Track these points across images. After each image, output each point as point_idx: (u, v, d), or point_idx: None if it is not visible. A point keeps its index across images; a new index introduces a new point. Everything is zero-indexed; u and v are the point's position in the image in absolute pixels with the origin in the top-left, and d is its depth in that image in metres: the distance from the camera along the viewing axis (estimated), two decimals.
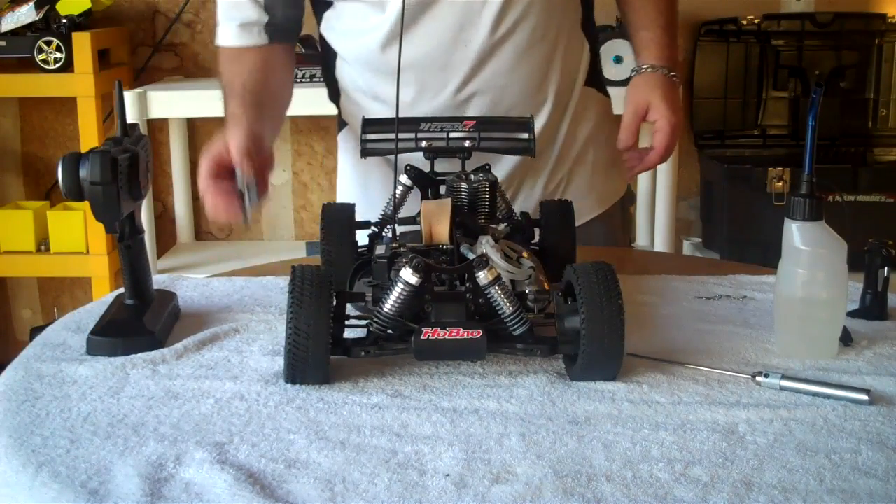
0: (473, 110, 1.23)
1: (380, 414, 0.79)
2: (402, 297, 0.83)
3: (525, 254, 0.94)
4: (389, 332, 0.84)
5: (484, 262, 0.83)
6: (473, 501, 0.66)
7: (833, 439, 0.74)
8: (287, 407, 0.80)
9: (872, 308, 1.00)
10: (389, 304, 0.83)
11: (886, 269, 0.99)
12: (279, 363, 0.87)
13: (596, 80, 1.36)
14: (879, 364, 0.89)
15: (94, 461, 0.71)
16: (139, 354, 0.90)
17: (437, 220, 0.92)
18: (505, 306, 0.83)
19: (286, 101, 1.31)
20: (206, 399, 0.81)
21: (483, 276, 0.83)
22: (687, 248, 2.63)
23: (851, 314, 0.98)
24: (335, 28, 1.28)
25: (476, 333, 0.81)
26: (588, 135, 1.36)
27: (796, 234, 0.89)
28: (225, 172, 1.07)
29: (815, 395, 0.81)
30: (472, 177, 1.01)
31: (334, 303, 0.82)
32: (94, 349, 0.91)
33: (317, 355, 0.81)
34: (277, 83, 1.27)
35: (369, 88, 1.29)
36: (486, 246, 0.91)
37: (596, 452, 0.72)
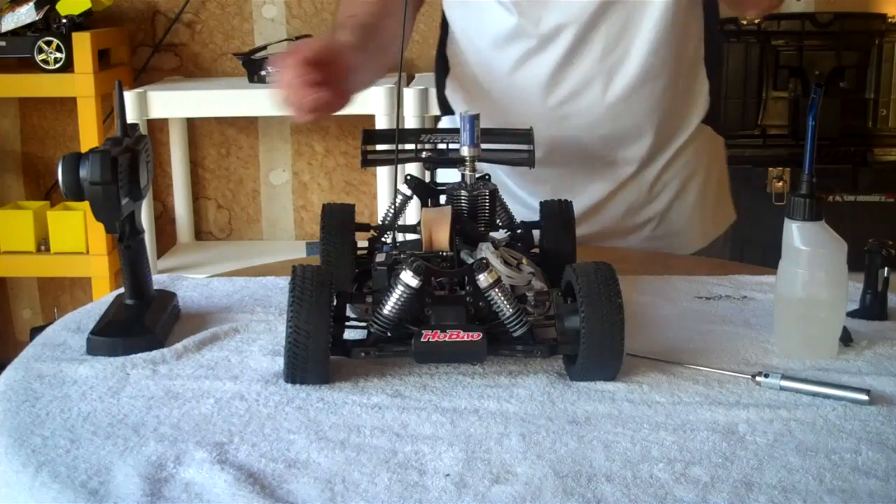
0: (568, 126, 1.24)
1: (380, 414, 0.79)
2: (402, 299, 0.83)
3: (524, 260, 0.94)
4: (389, 333, 0.84)
5: (484, 264, 0.83)
6: (473, 501, 0.66)
7: (833, 439, 0.74)
8: (287, 407, 0.80)
9: (872, 308, 1.00)
10: (389, 307, 0.83)
11: (886, 269, 0.99)
12: (279, 363, 0.87)
13: (713, 117, 1.35)
14: (879, 364, 0.89)
15: (94, 461, 0.71)
16: (139, 354, 0.90)
17: (438, 227, 0.92)
18: (505, 308, 0.83)
19: (395, 49, 1.21)
20: (206, 399, 0.81)
21: (483, 279, 0.83)
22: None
23: (851, 314, 0.98)
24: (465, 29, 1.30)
25: (476, 336, 0.81)
26: (690, 173, 1.36)
27: (796, 234, 0.89)
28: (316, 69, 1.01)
29: (815, 395, 0.81)
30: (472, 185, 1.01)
31: (334, 303, 0.82)
32: (94, 349, 0.91)
33: (317, 355, 0.81)
34: (392, 27, 1.21)
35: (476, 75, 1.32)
36: (486, 251, 0.91)
37: (596, 452, 0.72)
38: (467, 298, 0.85)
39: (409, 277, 0.82)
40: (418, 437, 0.75)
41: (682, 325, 0.99)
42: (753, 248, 2.32)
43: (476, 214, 0.99)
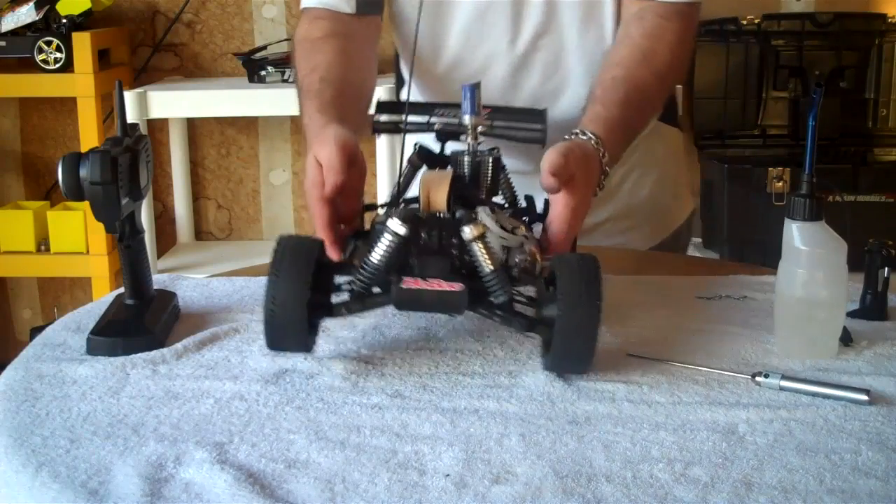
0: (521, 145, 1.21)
1: (380, 414, 0.79)
2: (389, 248, 0.83)
3: (522, 228, 0.94)
4: (374, 289, 0.85)
5: (472, 217, 0.84)
6: (473, 501, 0.66)
7: (833, 439, 0.74)
8: (287, 407, 0.80)
9: (872, 308, 1.00)
10: (376, 256, 0.84)
11: (886, 269, 0.99)
12: (279, 363, 0.87)
13: (668, 114, 1.35)
14: (879, 364, 0.89)
15: (94, 461, 0.71)
16: (139, 354, 0.90)
17: (435, 188, 0.91)
18: (485, 264, 0.83)
19: (369, 96, 1.20)
20: (206, 399, 0.81)
21: (468, 231, 0.83)
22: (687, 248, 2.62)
23: (851, 314, 0.98)
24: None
25: (457, 286, 0.82)
26: (644, 170, 1.36)
27: (796, 234, 0.89)
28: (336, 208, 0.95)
29: (815, 395, 0.81)
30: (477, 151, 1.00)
31: (312, 271, 0.83)
32: (94, 349, 0.91)
33: (294, 323, 0.83)
34: (358, 76, 1.18)
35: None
36: (481, 212, 0.91)
37: (596, 452, 0.72)
38: (452, 251, 0.85)
39: (396, 225, 0.83)
40: (418, 437, 0.75)
41: (682, 325, 0.99)
42: (753, 248, 2.33)
43: (478, 180, 0.99)
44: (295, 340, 0.85)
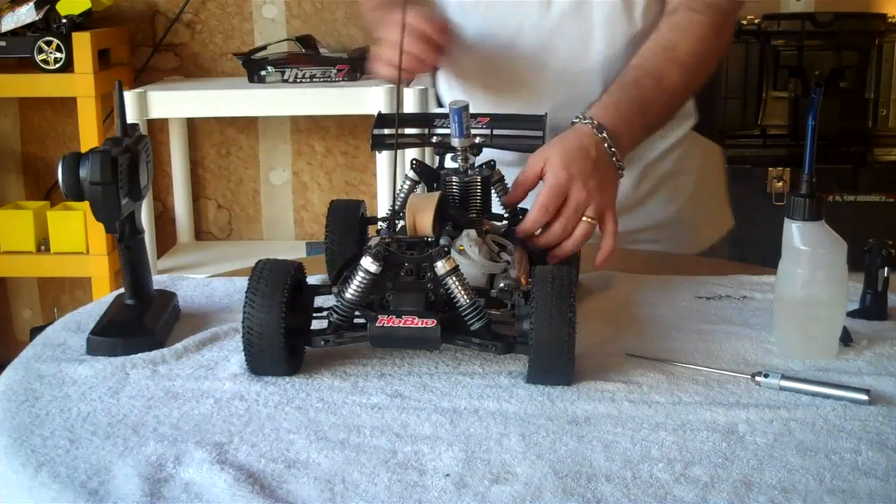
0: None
1: (380, 414, 0.79)
2: (362, 285, 0.84)
3: (511, 249, 0.94)
4: (355, 321, 0.86)
5: (444, 252, 0.84)
6: (473, 501, 0.66)
7: (833, 439, 0.74)
8: (287, 407, 0.80)
9: (872, 308, 1.00)
10: (351, 292, 0.84)
11: (886, 269, 0.99)
12: None
13: (705, 125, 1.34)
14: (879, 364, 0.89)
15: (93, 461, 0.71)
16: (139, 354, 0.90)
17: (421, 213, 0.92)
18: (461, 298, 0.84)
19: None
20: (206, 399, 0.81)
21: (441, 266, 0.84)
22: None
23: (851, 314, 0.98)
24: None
25: (430, 323, 0.82)
26: (679, 182, 1.34)
27: (796, 234, 0.89)
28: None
29: (814, 395, 0.81)
30: (470, 171, 1.00)
31: (286, 297, 0.83)
32: (94, 349, 0.91)
33: (272, 351, 0.83)
34: None
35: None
36: (465, 238, 0.91)
37: (596, 452, 0.72)
38: (428, 285, 0.85)
39: (368, 263, 0.83)
40: (418, 437, 0.75)
41: (682, 325, 0.99)
42: (753, 248, 2.32)
43: (468, 201, 0.99)
44: (274, 367, 0.85)
